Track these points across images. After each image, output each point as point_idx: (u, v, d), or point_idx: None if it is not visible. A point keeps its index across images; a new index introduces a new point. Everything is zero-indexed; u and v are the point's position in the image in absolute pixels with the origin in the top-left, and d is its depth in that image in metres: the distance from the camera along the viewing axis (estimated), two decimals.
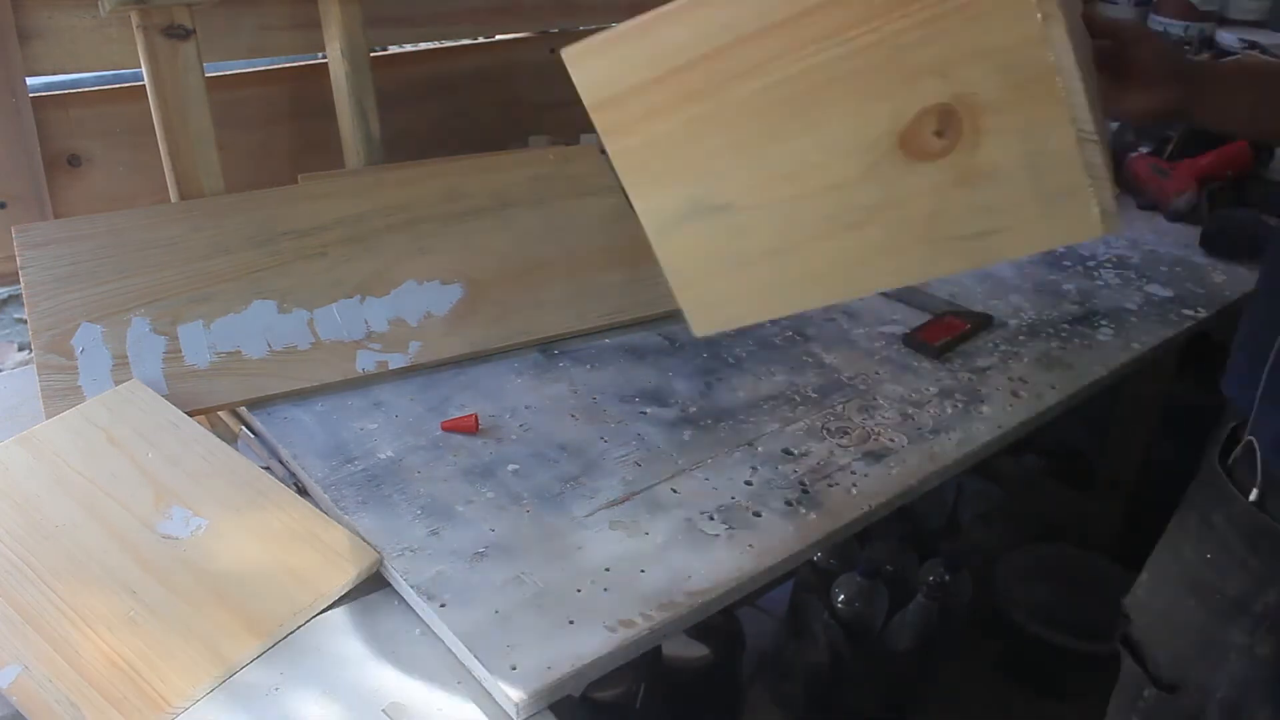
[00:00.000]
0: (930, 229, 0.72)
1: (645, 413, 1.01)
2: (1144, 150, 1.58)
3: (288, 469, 0.92)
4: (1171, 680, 0.86)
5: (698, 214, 0.77)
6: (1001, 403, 1.06)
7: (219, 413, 0.97)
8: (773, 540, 0.85)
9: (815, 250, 0.76)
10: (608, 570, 0.81)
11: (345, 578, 0.79)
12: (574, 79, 0.74)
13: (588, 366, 1.08)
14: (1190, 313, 1.26)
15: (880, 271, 0.76)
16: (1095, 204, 0.68)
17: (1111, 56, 0.87)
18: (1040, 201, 0.69)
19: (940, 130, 0.68)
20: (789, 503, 0.89)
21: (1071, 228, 0.70)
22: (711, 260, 0.79)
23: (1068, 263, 1.37)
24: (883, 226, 0.73)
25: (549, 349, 1.10)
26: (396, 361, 1.02)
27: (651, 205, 0.77)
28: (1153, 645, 0.87)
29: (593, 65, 0.73)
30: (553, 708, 0.72)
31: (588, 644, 0.74)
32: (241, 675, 0.73)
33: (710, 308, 0.81)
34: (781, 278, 0.79)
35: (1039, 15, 0.62)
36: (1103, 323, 1.22)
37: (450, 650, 0.76)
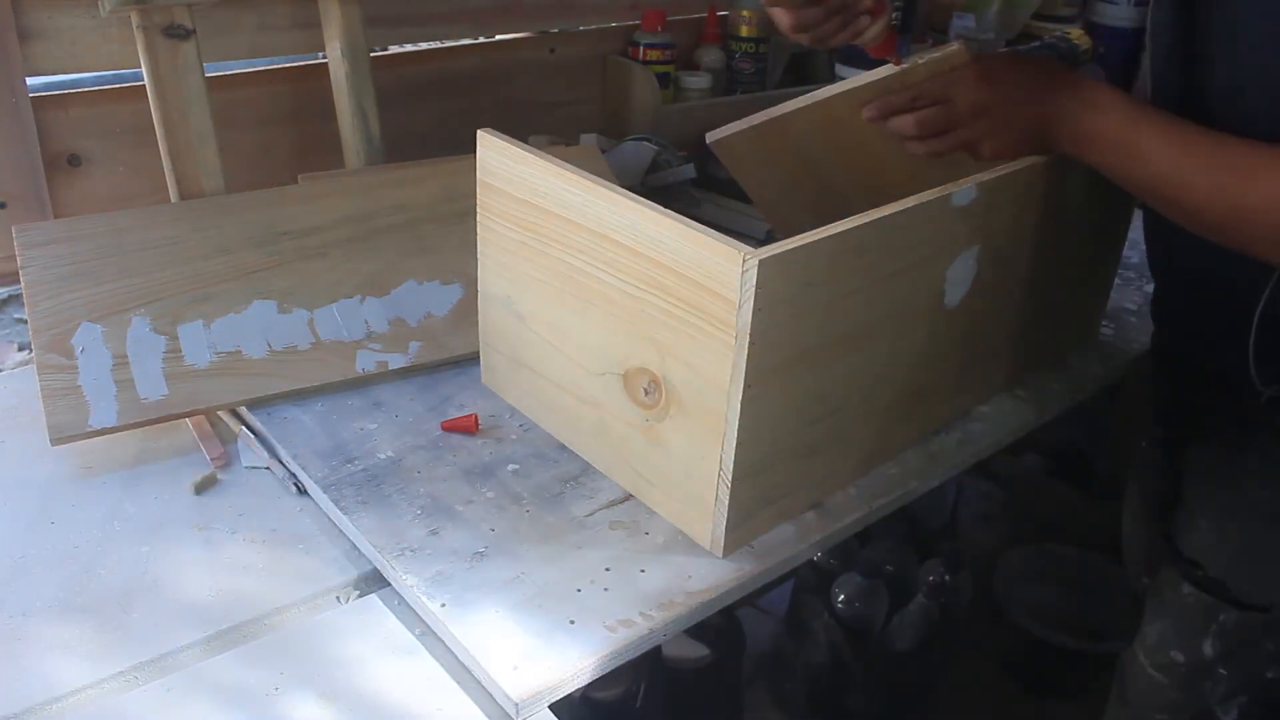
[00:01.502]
0: (618, 446, 0.88)
1: None
2: None
3: (287, 469, 0.92)
4: (1263, 603, 0.89)
5: (506, 307, 0.96)
6: (1001, 403, 1.06)
7: (219, 413, 0.98)
8: (773, 540, 0.85)
9: (554, 394, 0.93)
10: (608, 570, 0.81)
11: None
12: (479, 152, 0.91)
13: None
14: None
15: (585, 445, 0.93)
16: (709, 527, 0.82)
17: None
18: (682, 490, 0.83)
19: (648, 390, 0.83)
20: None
21: (694, 529, 0.84)
22: (506, 343, 0.98)
23: None
24: (596, 417, 0.89)
25: None
26: (396, 361, 1.02)
27: (484, 276, 0.97)
28: (1237, 579, 0.90)
29: (497, 156, 0.90)
30: (553, 708, 0.72)
31: (588, 644, 0.74)
32: (241, 675, 0.73)
33: (496, 373, 1.01)
34: (535, 394, 0.96)
35: (730, 359, 0.74)
36: (1103, 323, 1.22)
37: (450, 650, 0.76)
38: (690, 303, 0.76)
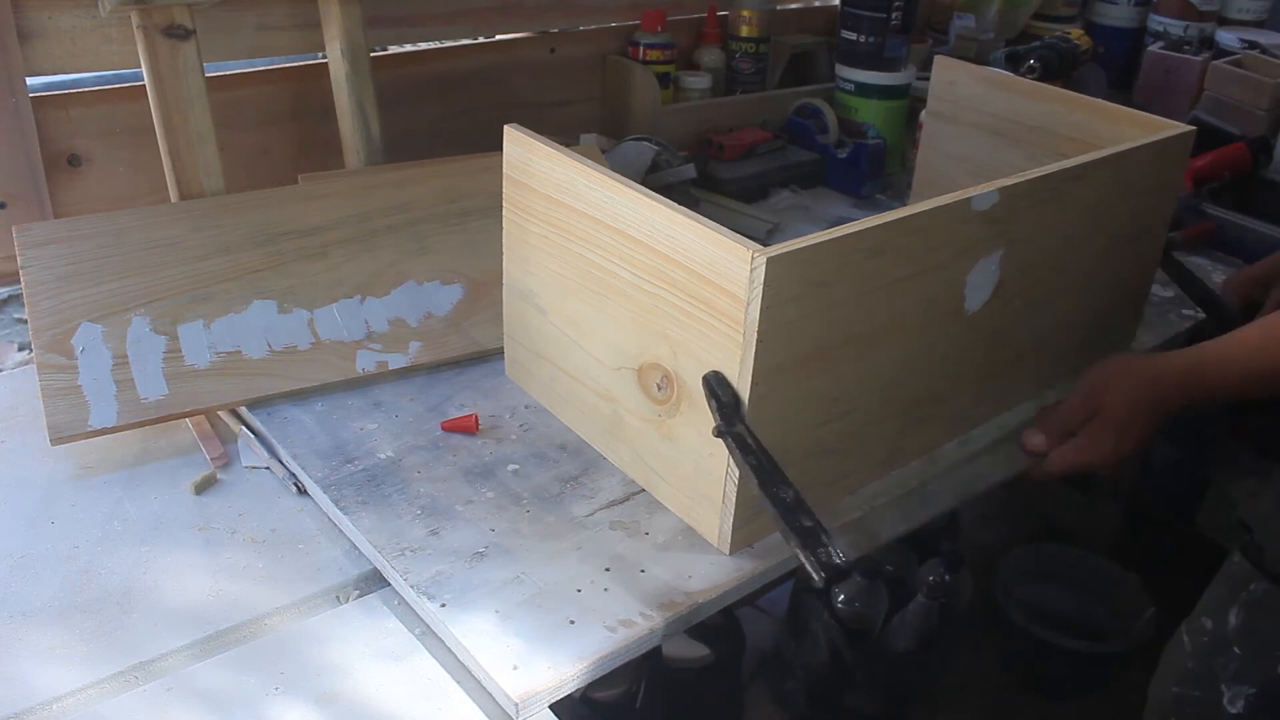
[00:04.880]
0: (633, 440, 0.89)
1: None
2: None
3: (288, 469, 0.92)
4: None
5: (527, 300, 0.96)
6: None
7: (219, 413, 0.97)
8: (774, 540, 0.85)
9: (573, 388, 0.94)
10: (608, 570, 0.81)
11: None
12: (505, 147, 0.92)
13: None
14: (1190, 313, 1.26)
15: (601, 439, 0.93)
16: (717, 526, 0.82)
17: None
18: (692, 487, 0.84)
19: (661, 385, 0.83)
20: None
21: (702, 525, 0.84)
22: (528, 336, 0.98)
23: None
24: (611, 411, 0.90)
25: None
26: (396, 361, 1.02)
27: (509, 270, 0.97)
28: (1275, 548, 0.93)
29: (522, 151, 0.90)
30: (553, 708, 0.72)
31: (588, 644, 0.74)
32: (241, 675, 0.73)
33: (518, 365, 1.02)
34: (555, 388, 0.97)
35: (739, 357, 0.75)
36: None
37: (450, 650, 0.76)
38: (701, 299, 0.77)
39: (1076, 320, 1.07)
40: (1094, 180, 0.97)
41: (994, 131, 1.25)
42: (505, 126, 0.92)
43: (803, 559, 0.71)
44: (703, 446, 0.80)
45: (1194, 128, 1.08)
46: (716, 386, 0.77)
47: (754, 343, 0.73)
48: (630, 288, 0.83)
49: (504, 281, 0.98)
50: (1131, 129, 1.08)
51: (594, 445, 0.94)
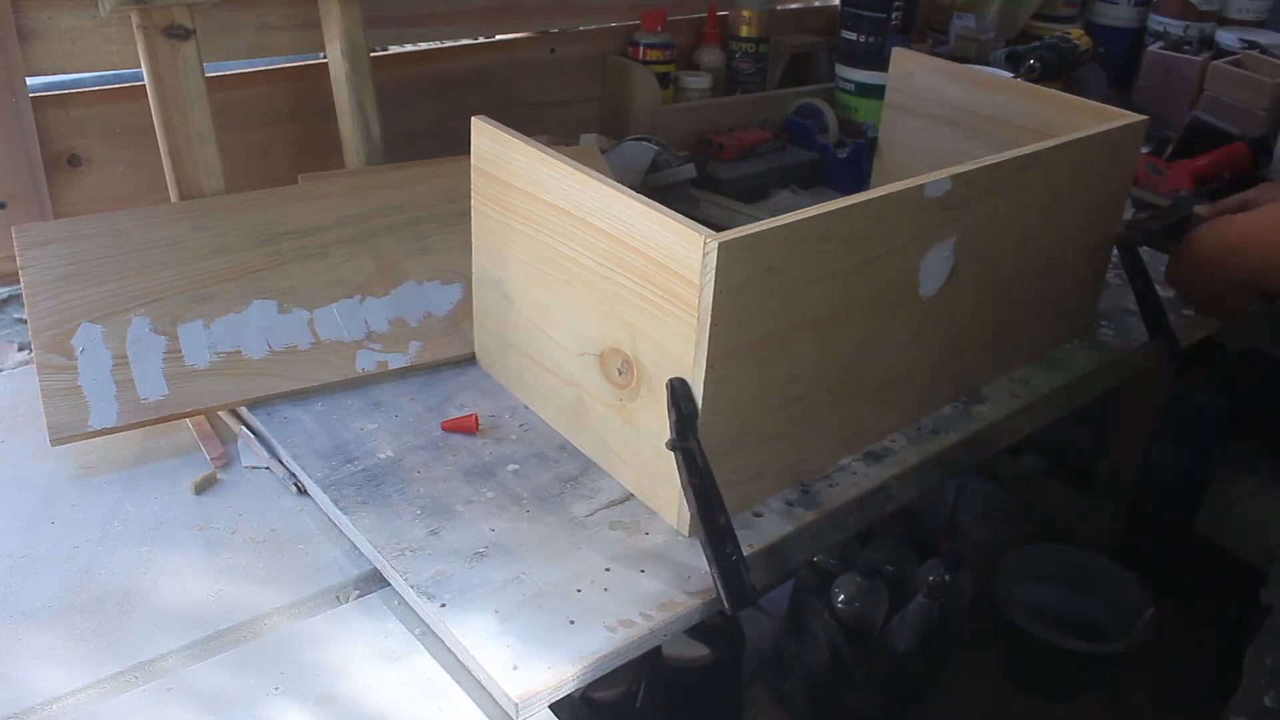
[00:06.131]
0: (596, 425, 0.90)
1: None
2: (1144, 150, 1.58)
3: (288, 469, 0.92)
4: None
5: (495, 289, 0.98)
6: (1001, 402, 1.06)
7: (219, 413, 0.97)
8: (772, 540, 0.85)
9: (539, 374, 0.95)
10: (608, 570, 0.81)
11: None
12: (473, 139, 0.93)
13: None
14: (1190, 313, 1.26)
15: (565, 423, 0.95)
16: (676, 507, 0.83)
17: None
18: (651, 469, 0.85)
19: (621, 370, 0.84)
20: (789, 503, 0.89)
21: (661, 507, 0.86)
22: (496, 324, 1.00)
23: None
24: (575, 396, 0.91)
25: None
26: (396, 361, 1.02)
27: (478, 259, 0.99)
28: None
29: (489, 142, 0.92)
30: (553, 708, 0.72)
31: (588, 644, 0.74)
32: (241, 675, 0.73)
33: (487, 353, 1.03)
34: (522, 375, 0.98)
35: (694, 341, 0.76)
36: (1103, 323, 1.22)
37: (450, 650, 0.76)
38: (658, 285, 0.78)
39: (1032, 306, 1.08)
40: (1046, 168, 0.99)
41: (951, 122, 1.26)
42: (473, 119, 0.93)
43: (718, 586, 0.77)
44: (661, 430, 0.81)
45: (1145, 117, 1.10)
46: (679, 396, 0.78)
47: (708, 327, 0.75)
48: (592, 274, 0.85)
49: (473, 270, 1.00)
50: (1084, 118, 1.09)
51: (559, 430, 0.95)
